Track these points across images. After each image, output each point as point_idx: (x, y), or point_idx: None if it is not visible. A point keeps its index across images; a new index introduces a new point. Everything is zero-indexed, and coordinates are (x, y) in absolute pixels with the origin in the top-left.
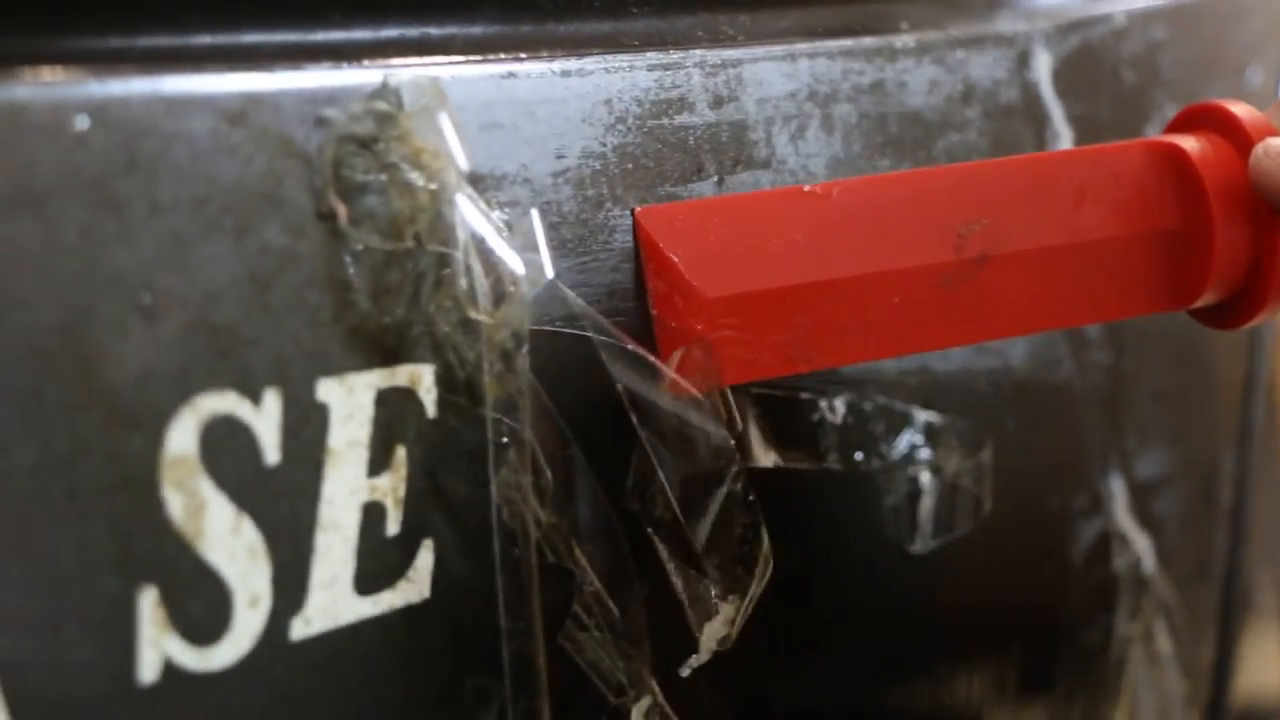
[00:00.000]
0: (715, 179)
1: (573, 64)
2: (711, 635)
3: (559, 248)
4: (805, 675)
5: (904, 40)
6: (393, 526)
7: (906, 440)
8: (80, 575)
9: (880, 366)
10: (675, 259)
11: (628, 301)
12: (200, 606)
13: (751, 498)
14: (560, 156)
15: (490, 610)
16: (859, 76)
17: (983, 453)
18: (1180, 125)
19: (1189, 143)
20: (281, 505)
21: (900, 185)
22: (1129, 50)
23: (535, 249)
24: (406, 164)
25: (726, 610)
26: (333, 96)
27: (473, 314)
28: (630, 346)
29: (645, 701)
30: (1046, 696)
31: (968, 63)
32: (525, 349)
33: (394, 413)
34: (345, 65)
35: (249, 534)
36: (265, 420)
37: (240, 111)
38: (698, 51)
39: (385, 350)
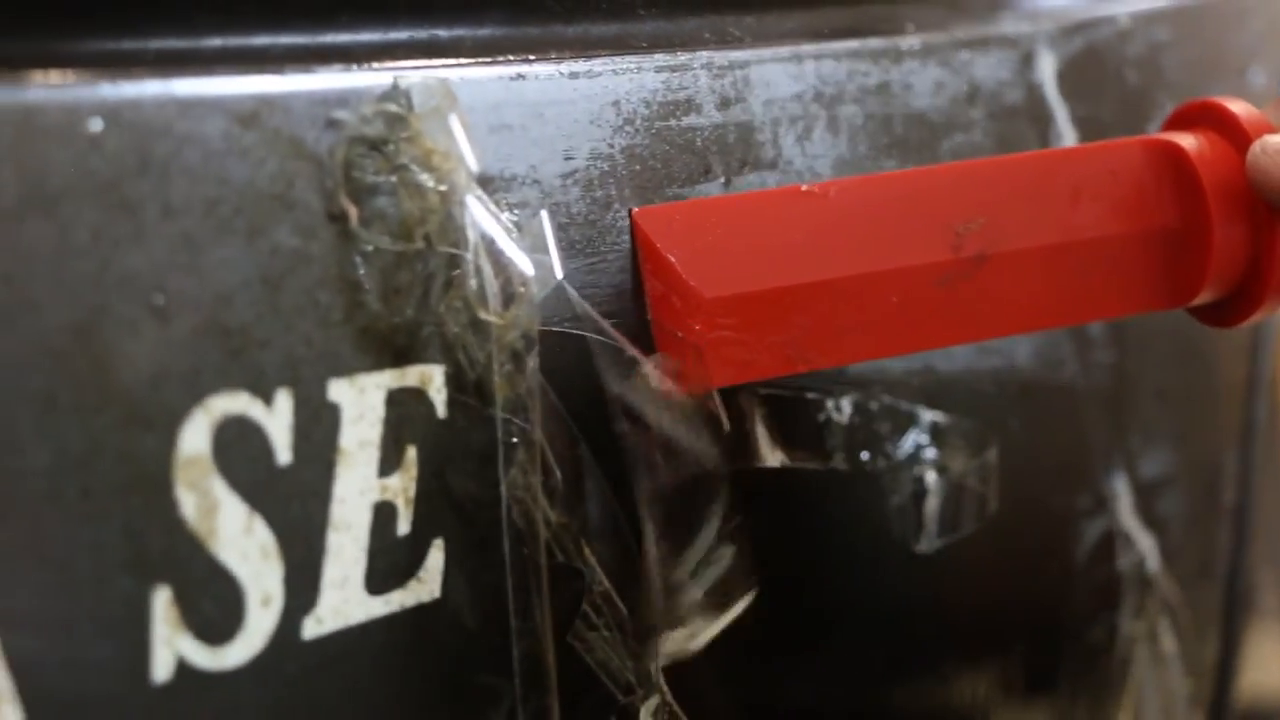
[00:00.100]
0: (722, 180)
1: (581, 66)
2: (674, 642)
3: (567, 249)
4: (811, 674)
5: (909, 42)
6: (403, 526)
7: (912, 440)
8: (94, 575)
9: (885, 366)
10: (673, 259)
11: (634, 302)
12: (213, 606)
13: (737, 522)
14: (569, 158)
15: (500, 609)
16: (865, 78)
17: (988, 452)
18: (1177, 123)
19: (1186, 140)
20: (293, 505)
21: (898, 184)
22: (1132, 51)
23: (545, 250)
24: (417, 165)
25: (695, 627)
26: (343, 98)
27: (483, 315)
28: (630, 353)
29: (653, 700)
30: (1051, 695)
31: (972, 64)
32: (535, 350)
33: (404, 413)
34: (355, 67)
35: (261, 534)
36: (277, 421)
37: (252, 113)
38: (705, 53)
39: (396, 351)
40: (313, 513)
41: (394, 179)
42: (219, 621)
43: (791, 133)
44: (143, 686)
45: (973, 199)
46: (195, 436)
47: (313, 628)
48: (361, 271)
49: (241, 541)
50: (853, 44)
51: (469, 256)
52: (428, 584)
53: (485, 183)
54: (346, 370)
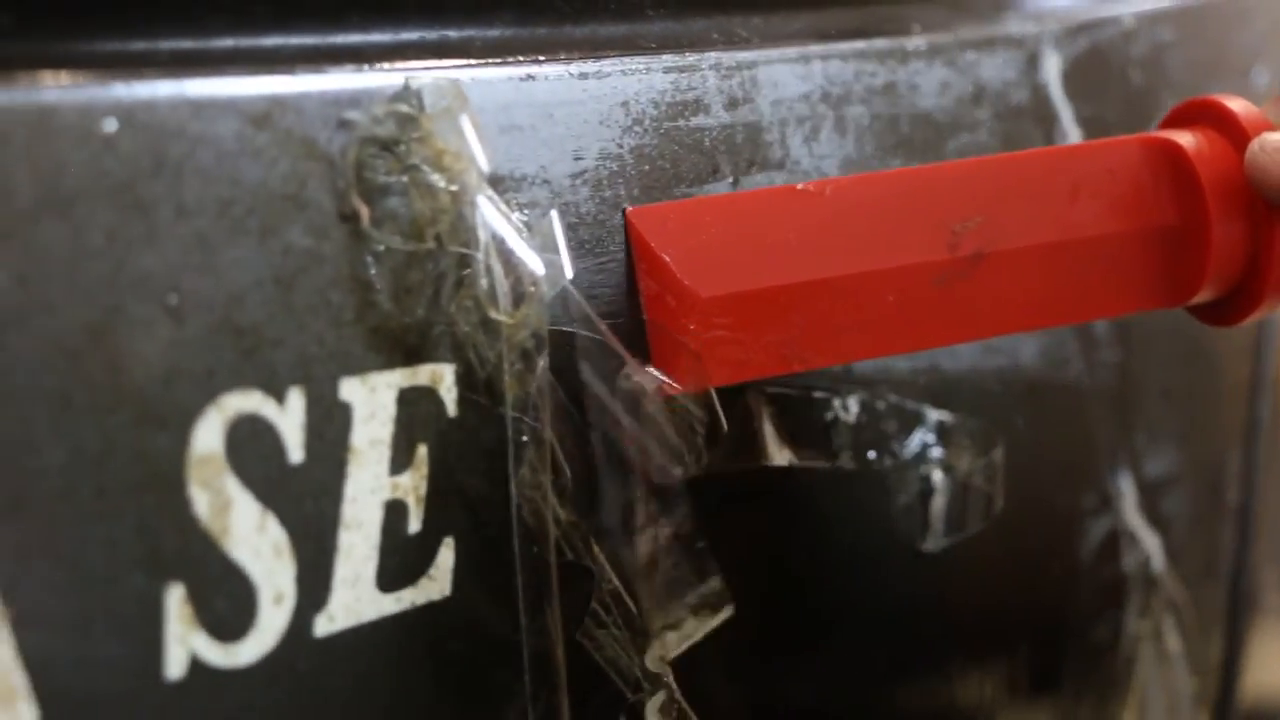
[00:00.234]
0: (731, 180)
1: (590, 66)
2: (651, 657)
3: (577, 248)
4: (817, 671)
5: (915, 42)
6: (414, 524)
7: (919, 439)
8: (108, 573)
9: (892, 365)
10: (667, 258)
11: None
12: (226, 603)
13: (700, 544)
14: (578, 158)
15: (510, 607)
16: (871, 78)
17: (994, 451)
18: (1176, 120)
19: (1185, 138)
20: (305, 503)
21: (894, 183)
22: (1137, 52)
23: (555, 250)
24: (428, 166)
25: (668, 640)
26: (355, 99)
27: (493, 314)
28: (620, 354)
29: (661, 697)
30: (1056, 694)
31: (978, 64)
32: (545, 349)
33: (415, 412)
34: (366, 68)
35: (274, 532)
36: (289, 419)
37: (264, 114)
38: (713, 54)
39: (407, 350)
40: (324, 511)
41: (405, 179)
42: (232, 619)
43: (799, 133)
44: (156, 684)
45: (970, 197)
46: (208, 435)
47: (324, 625)
48: (373, 271)
49: (254, 539)
50: (859, 44)
51: (480, 256)
52: (438, 582)
53: (496, 183)
54: (358, 369)
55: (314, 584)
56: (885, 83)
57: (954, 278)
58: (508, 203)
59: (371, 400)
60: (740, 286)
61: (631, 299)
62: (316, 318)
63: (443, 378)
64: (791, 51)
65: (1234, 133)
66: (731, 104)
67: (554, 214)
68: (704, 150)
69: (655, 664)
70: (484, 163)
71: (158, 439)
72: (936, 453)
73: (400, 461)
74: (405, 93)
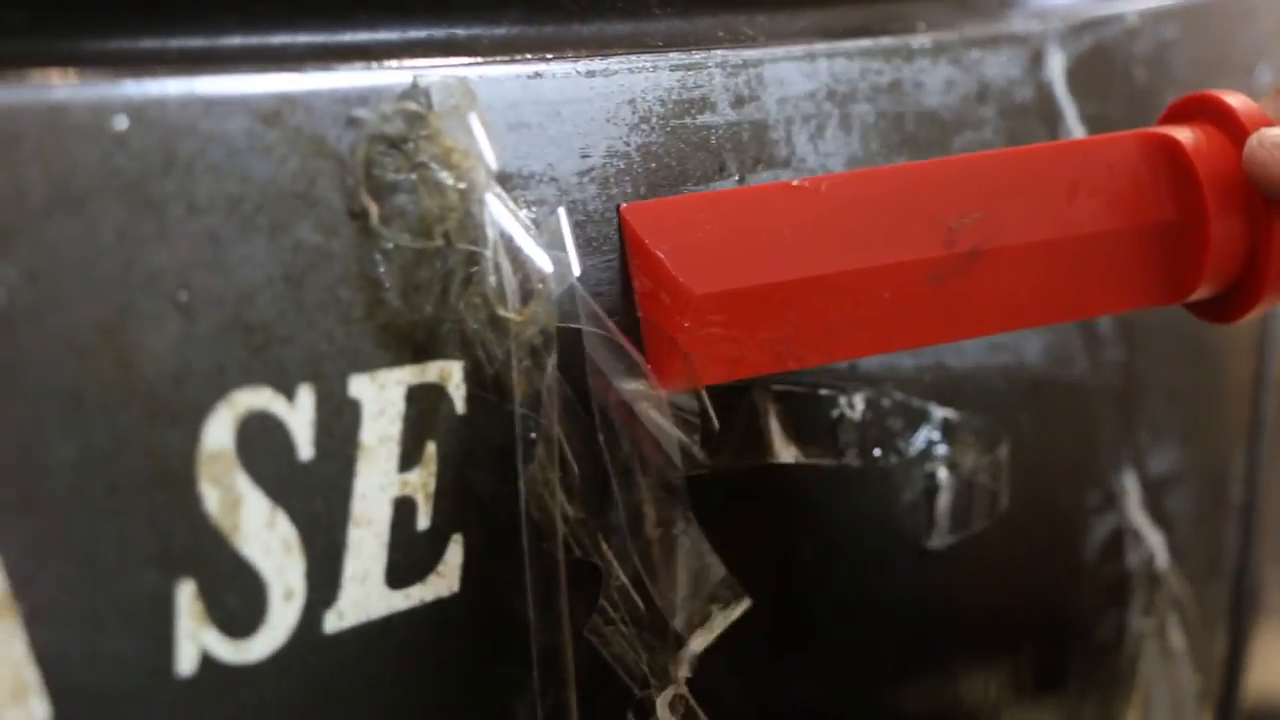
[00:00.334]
0: (737, 178)
1: (597, 64)
2: (682, 656)
3: (584, 246)
4: (822, 668)
5: (920, 40)
6: (423, 521)
7: (924, 436)
8: (120, 569)
9: (897, 363)
10: (661, 255)
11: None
12: (237, 600)
13: (709, 540)
14: (585, 156)
15: (519, 604)
16: (877, 76)
17: (999, 449)
18: (1174, 116)
19: (1183, 134)
20: (315, 500)
21: (891, 179)
22: (1140, 49)
23: (562, 247)
24: (436, 163)
25: (694, 645)
26: (364, 97)
27: (501, 311)
28: (630, 353)
29: (669, 693)
30: (1060, 691)
31: (983, 62)
32: (553, 346)
33: (424, 409)
34: (375, 66)
35: (284, 528)
36: (299, 416)
37: (274, 112)
38: (719, 52)
39: (415, 347)
40: (334, 508)
41: (414, 177)
42: (242, 615)
43: (805, 131)
44: (167, 679)
45: (967, 194)
46: (219, 432)
47: (334, 622)
48: (382, 269)
49: (264, 536)
50: (865, 43)
51: (488, 253)
52: (447, 578)
53: (504, 180)
54: (367, 366)
55: (324, 580)
56: (890, 81)
57: (950, 274)
58: (515, 200)
59: (380, 397)
60: (735, 283)
61: (629, 296)
62: (326, 315)
63: (451, 375)
64: (797, 49)
65: (1232, 128)
66: (738, 102)
67: (561, 211)
68: (710, 148)
69: (686, 665)
70: (492, 160)
71: (168, 436)
72: (942, 450)
73: (409, 458)
74: (414, 91)
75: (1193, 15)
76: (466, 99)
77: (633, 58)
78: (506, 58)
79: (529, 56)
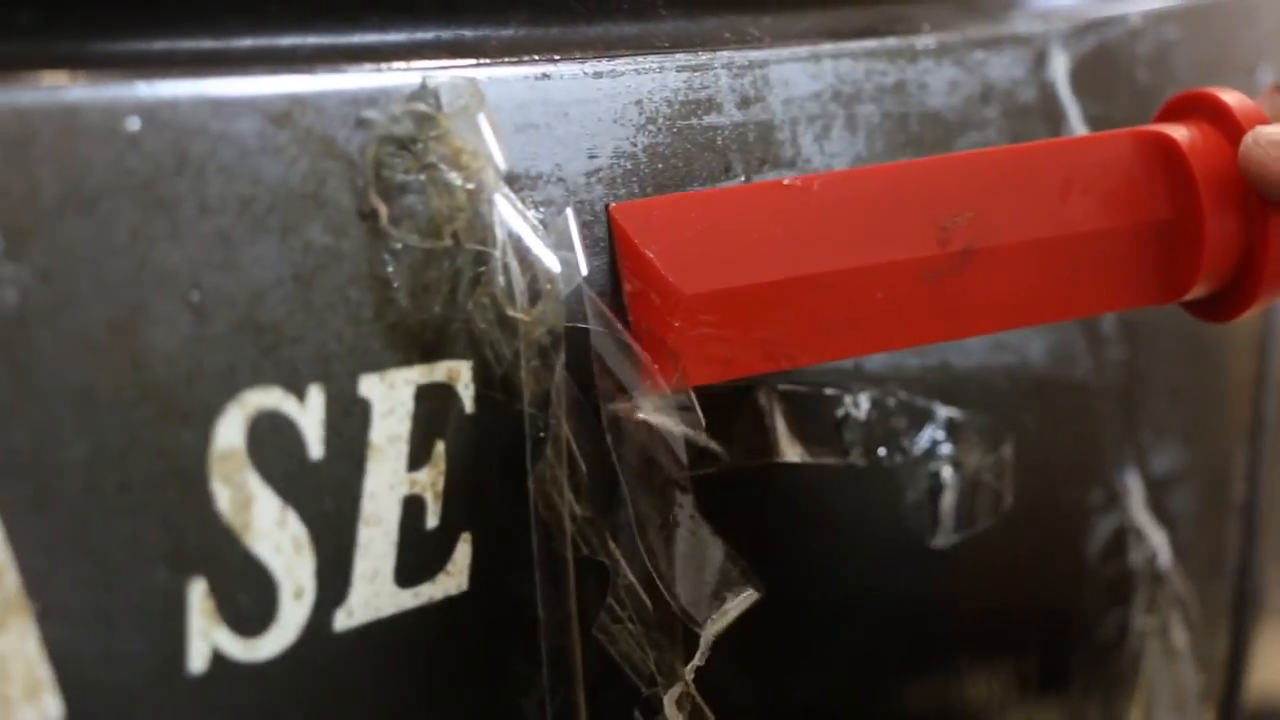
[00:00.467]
0: (742, 178)
1: (604, 65)
2: (688, 665)
3: (591, 246)
4: (827, 666)
5: (925, 41)
6: (432, 520)
7: (928, 436)
8: (132, 567)
9: (902, 362)
10: (651, 255)
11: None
12: (247, 598)
13: (718, 537)
14: (593, 156)
15: (527, 602)
16: (882, 77)
17: (1003, 448)
18: (1170, 114)
19: (1178, 132)
20: (325, 499)
21: (883, 178)
22: (1143, 50)
23: (570, 247)
24: (445, 164)
25: (705, 638)
26: (373, 98)
27: (510, 311)
28: (637, 352)
29: (676, 691)
30: (1063, 689)
31: (987, 63)
32: (561, 346)
33: (433, 408)
34: (384, 67)
35: (294, 527)
36: (309, 416)
37: (285, 113)
38: (725, 53)
39: (424, 347)
40: (344, 506)
41: (423, 177)
42: (253, 613)
43: (810, 131)
44: (179, 677)
45: (960, 192)
46: (230, 431)
47: (343, 620)
48: (391, 269)
49: (275, 534)
50: (870, 43)
51: (496, 254)
52: (456, 577)
53: (512, 181)
54: (377, 366)
55: (333, 579)
56: (895, 81)
57: (944, 274)
58: (524, 200)
59: (390, 397)
60: (726, 283)
61: (620, 296)
62: (336, 315)
63: (460, 374)
64: (803, 50)
65: (1228, 126)
66: (744, 102)
67: (569, 212)
68: (716, 148)
69: (698, 659)
70: (501, 161)
71: (180, 435)
72: (946, 449)
73: (418, 457)
74: (423, 92)
75: (1195, 16)
76: (475, 100)
77: (639, 59)
78: (514, 59)
79: (537, 58)
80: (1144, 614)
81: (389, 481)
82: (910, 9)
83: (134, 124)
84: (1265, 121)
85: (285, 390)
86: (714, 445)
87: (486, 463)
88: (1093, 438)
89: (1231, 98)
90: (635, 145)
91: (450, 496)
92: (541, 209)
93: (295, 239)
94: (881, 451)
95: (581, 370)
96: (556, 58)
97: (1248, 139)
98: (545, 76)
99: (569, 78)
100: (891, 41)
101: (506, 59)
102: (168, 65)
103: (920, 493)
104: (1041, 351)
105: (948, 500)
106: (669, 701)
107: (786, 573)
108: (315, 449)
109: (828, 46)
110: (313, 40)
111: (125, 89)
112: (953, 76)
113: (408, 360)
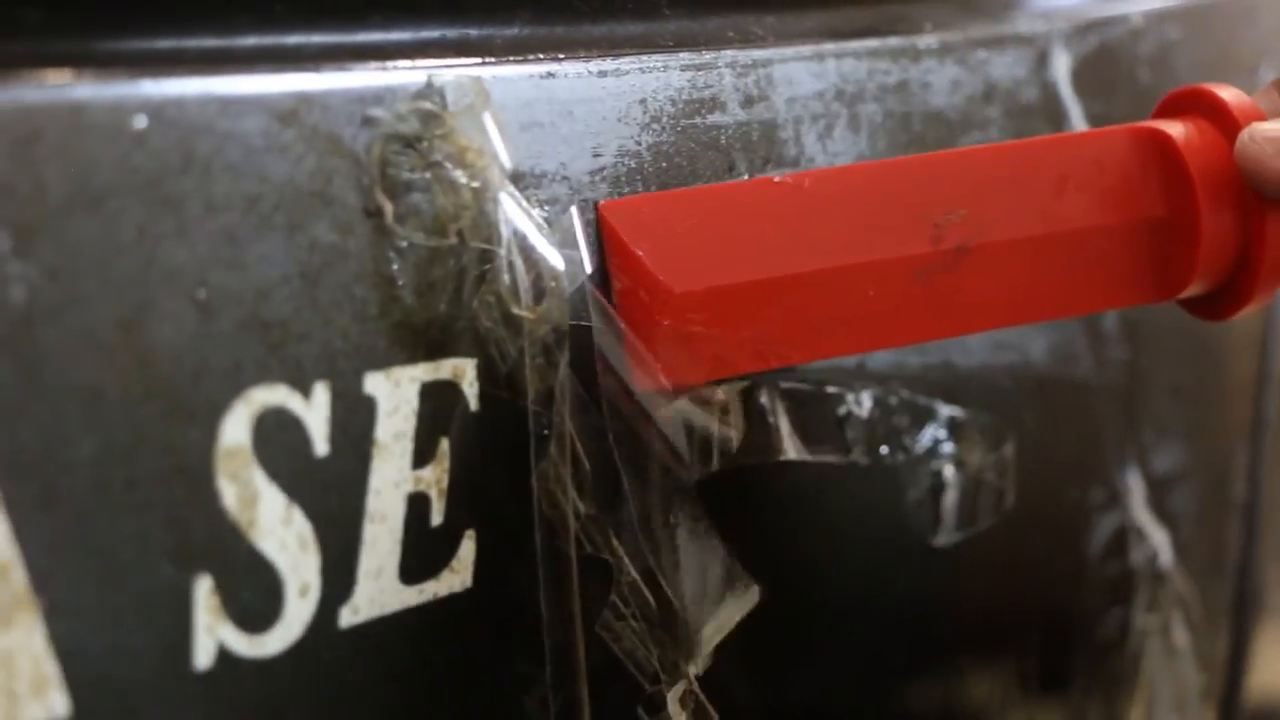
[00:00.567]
0: (746, 177)
1: (609, 64)
2: (698, 653)
3: (595, 244)
4: (828, 664)
5: (927, 41)
6: (436, 517)
7: (930, 434)
8: (138, 564)
9: (904, 361)
10: (640, 253)
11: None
12: (253, 595)
13: (719, 535)
14: (597, 155)
15: (531, 599)
16: (885, 76)
17: (1005, 447)
18: (1166, 110)
19: (1174, 128)
20: (330, 496)
21: (876, 174)
22: (1145, 50)
23: (574, 245)
24: (450, 162)
25: (707, 637)
26: (379, 96)
27: (514, 309)
28: (641, 350)
29: (679, 688)
30: (1064, 688)
31: (989, 63)
32: (566, 344)
33: (438, 406)
34: (390, 66)
35: (300, 524)
36: (315, 413)
37: (291, 111)
38: (729, 52)
39: (429, 344)
40: (349, 504)
41: (428, 175)
42: (258, 610)
43: (813, 130)
44: (184, 673)
45: (954, 189)
46: (236, 428)
47: (348, 617)
48: (396, 266)
49: (280, 532)
50: (873, 43)
51: (501, 252)
52: (460, 574)
53: (517, 179)
54: (382, 364)
55: (339, 576)
56: (898, 81)
57: (937, 271)
58: (528, 199)
59: (395, 394)
60: (716, 281)
61: (609, 295)
62: (341, 312)
63: (465, 372)
64: (806, 50)
65: (1225, 122)
66: (747, 102)
67: (574, 210)
68: (720, 147)
69: (701, 659)
70: (506, 159)
71: (187, 432)
72: (948, 448)
73: (423, 455)
74: (428, 90)
75: (1196, 16)
76: (480, 98)
77: (644, 58)
78: (519, 58)
79: (541, 56)
80: (1145, 613)
81: (394, 479)
82: (913, 9)
83: (140, 122)
84: (1262, 118)
85: (291, 387)
86: (716, 432)
87: (491, 460)
88: (1094, 437)
89: (1228, 94)
90: (639, 144)
91: (455, 494)
92: (546, 207)
93: (301, 237)
94: (883, 450)
95: (586, 368)
96: (561, 57)
97: (1244, 135)
98: (550, 75)
99: (574, 76)
100: (894, 41)
101: (511, 58)
102: (174, 64)
103: (922, 491)
104: (1043, 350)
105: (949, 499)
106: (672, 699)
107: (788, 570)
108: (320, 446)
109: (831, 46)
110: (318, 39)
111: (131, 87)
112: (955, 76)
113: (413, 358)
